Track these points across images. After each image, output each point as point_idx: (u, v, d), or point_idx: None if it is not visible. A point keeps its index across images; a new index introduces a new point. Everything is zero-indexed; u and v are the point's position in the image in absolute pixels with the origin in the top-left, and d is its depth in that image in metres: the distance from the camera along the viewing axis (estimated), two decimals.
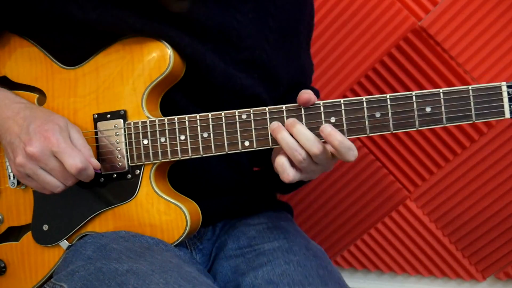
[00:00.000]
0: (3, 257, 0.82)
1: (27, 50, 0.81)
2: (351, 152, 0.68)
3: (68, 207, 0.78)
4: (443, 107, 0.69)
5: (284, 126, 0.70)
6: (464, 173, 1.23)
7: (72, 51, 0.78)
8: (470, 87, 0.69)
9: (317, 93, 0.96)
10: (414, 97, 0.70)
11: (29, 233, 0.80)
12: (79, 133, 0.74)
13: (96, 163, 0.73)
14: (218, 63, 0.78)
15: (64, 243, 0.79)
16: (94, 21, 0.74)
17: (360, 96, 1.28)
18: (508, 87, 0.68)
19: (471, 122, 0.69)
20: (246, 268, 0.79)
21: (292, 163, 0.70)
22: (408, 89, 1.24)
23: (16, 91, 0.81)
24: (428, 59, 1.20)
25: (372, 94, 1.27)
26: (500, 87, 0.68)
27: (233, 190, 0.87)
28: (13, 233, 0.83)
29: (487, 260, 1.26)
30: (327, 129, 0.68)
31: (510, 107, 0.68)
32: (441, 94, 0.69)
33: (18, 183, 0.80)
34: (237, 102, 0.81)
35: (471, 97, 0.69)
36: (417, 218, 1.29)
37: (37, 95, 0.81)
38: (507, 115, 0.68)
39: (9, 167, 0.81)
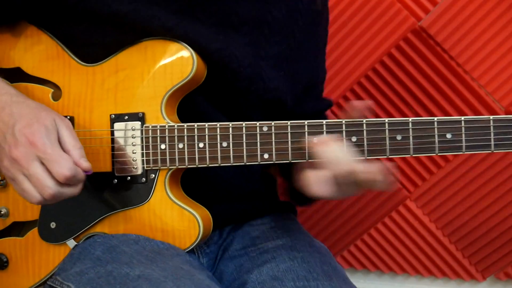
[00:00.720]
0: (6, 252, 0.80)
1: (44, 43, 0.77)
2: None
3: (78, 206, 0.76)
4: (463, 135, 0.70)
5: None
6: (464, 173, 1.23)
7: (94, 46, 0.75)
8: (491, 117, 0.70)
9: (329, 104, 0.96)
10: (435, 123, 0.71)
11: (35, 229, 0.78)
12: (69, 129, 0.68)
13: (85, 164, 0.67)
14: (247, 64, 0.77)
15: (71, 242, 0.77)
16: (126, 14, 0.72)
17: (360, 96, 1.28)
18: None
19: (489, 151, 0.70)
20: (251, 265, 0.79)
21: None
22: (408, 90, 1.24)
23: (29, 83, 0.78)
24: (428, 60, 1.20)
25: (371, 95, 1.28)
26: None
27: (243, 196, 0.87)
28: (17, 228, 0.80)
29: (487, 260, 1.27)
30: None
31: None
32: (463, 122, 0.70)
33: None
34: (257, 106, 0.81)
35: (491, 127, 0.70)
36: (417, 218, 1.29)
37: (52, 90, 0.78)
38: None
39: None
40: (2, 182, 0.79)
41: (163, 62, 0.74)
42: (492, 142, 0.70)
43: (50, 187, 0.64)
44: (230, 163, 0.74)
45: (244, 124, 0.73)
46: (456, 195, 1.26)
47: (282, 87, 0.83)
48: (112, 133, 0.75)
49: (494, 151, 0.70)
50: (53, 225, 0.77)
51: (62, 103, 0.77)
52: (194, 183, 0.80)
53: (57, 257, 0.78)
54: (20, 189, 0.67)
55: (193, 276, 0.67)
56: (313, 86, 0.92)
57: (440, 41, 1.17)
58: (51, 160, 0.64)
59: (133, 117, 0.75)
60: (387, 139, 0.71)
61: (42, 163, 0.64)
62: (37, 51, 0.77)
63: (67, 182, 0.65)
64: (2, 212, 0.79)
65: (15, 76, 0.78)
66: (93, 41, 0.75)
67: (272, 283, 0.73)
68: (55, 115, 0.69)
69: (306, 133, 0.72)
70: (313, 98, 0.92)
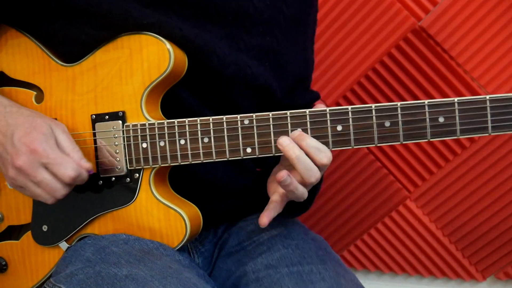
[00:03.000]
0: (4, 255, 0.77)
1: (24, 46, 0.73)
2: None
3: (67, 209, 0.72)
4: (457, 118, 0.62)
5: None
6: (464, 173, 1.16)
7: (72, 43, 0.70)
8: (487, 97, 0.61)
9: (317, 96, 0.90)
10: (426, 106, 0.63)
11: (29, 233, 0.74)
12: (66, 133, 0.67)
13: (87, 165, 0.66)
14: (229, 52, 0.71)
15: (64, 244, 0.73)
16: (99, 8, 0.67)
17: (359, 96, 1.21)
18: None
19: (487, 134, 0.62)
20: (248, 259, 0.74)
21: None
22: (408, 90, 1.17)
23: (13, 87, 0.74)
24: (428, 60, 1.13)
25: (371, 95, 1.20)
26: None
27: (237, 193, 0.81)
28: (14, 232, 0.77)
29: (487, 260, 1.20)
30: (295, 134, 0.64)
31: None
32: (456, 104, 0.62)
33: None
34: (246, 93, 0.75)
35: (488, 108, 0.61)
36: (417, 218, 1.23)
37: (35, 93, 0.73)
38: None
39: None
40: None
41: (140, 57, 0.68)
42: (489, 124, 0.61)
43: (60, 190, 0.65)
44: (213, 159, 0.68)
45: (224, 118, 0.67)
46: (456, 195, 1.18)
47: (268, 76, 0.76)
48: (95, 134, 0.71)
49: (492, 134, 0.61)
50: (45, 228, 0.73)
51: (45, 106, 0.72)
52: (186, 182, 0.75)
53: (52, 259, 0.74)
54: (31, 195, 0.67)
55: (180, 275, 0.63)
56: (304, 78, 0.86)
57: (440, 41, 1.10)
58: (55, 163, 0.64)
59: (114, 116, 0.70)
60: (375, 126, 0.64)
61: (47, 168, 0.64)
62: (18, 54, 0.73)
63: (73, 182, 0.65)
64: None
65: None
66: (70, 39, 0.70)
67: (267, 271, 0.69)
68: (50, 121, 0.67)
69: (289, 124, 0.66)
70: (302, 90, 0.86)
